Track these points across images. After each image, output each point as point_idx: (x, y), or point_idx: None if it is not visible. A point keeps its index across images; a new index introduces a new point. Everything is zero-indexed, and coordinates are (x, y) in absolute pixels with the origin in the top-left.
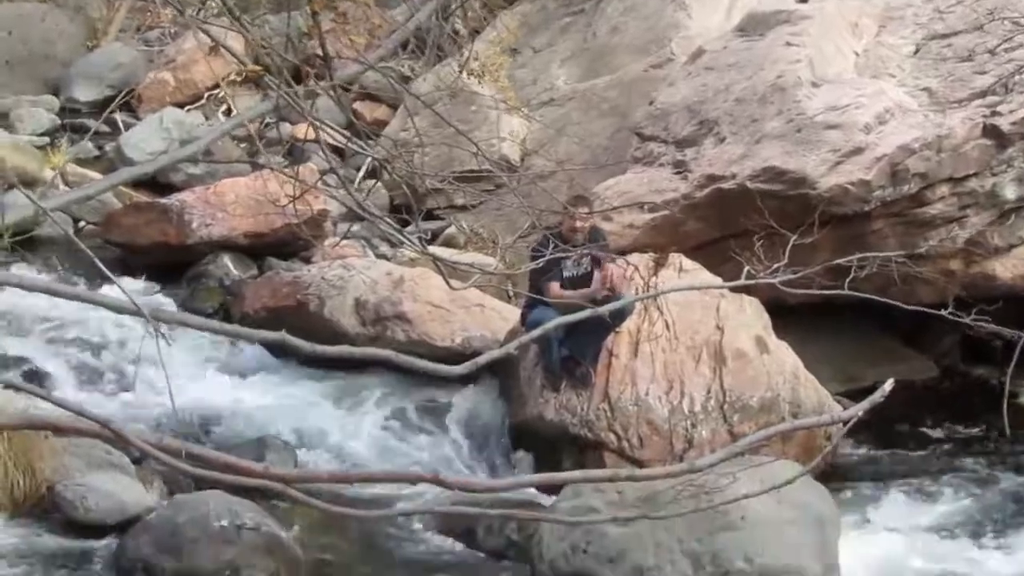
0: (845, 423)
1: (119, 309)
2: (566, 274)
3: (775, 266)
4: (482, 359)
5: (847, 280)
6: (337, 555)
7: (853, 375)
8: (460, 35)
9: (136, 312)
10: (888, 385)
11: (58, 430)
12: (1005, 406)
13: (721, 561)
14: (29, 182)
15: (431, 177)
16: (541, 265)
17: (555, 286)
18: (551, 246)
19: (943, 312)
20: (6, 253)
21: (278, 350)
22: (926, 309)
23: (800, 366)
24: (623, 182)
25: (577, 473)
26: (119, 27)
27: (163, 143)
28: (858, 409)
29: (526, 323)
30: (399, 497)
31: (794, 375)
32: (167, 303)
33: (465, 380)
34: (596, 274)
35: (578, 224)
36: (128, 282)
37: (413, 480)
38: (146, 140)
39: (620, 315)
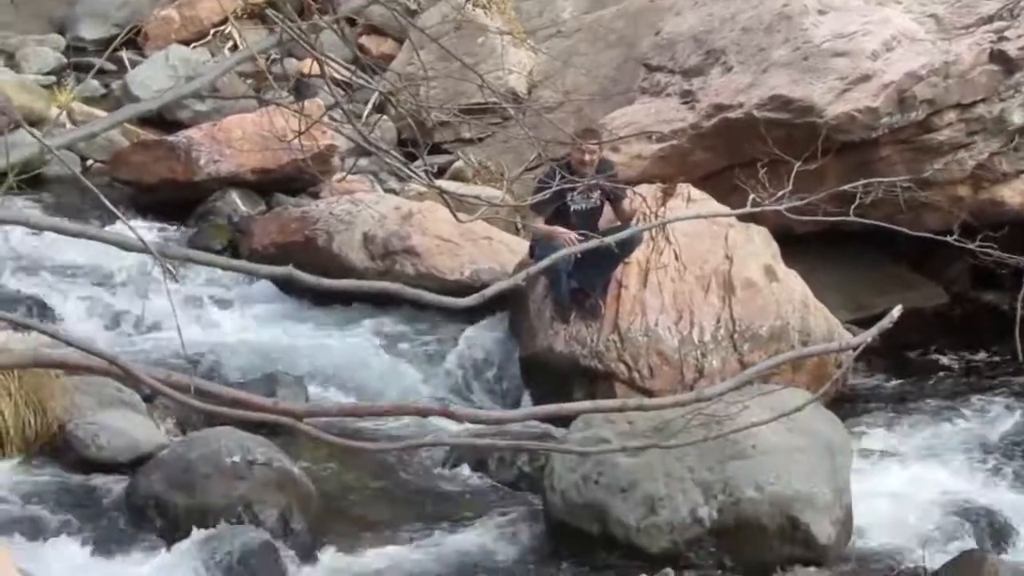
0: (854, 350)
1: (126, 246)
2: (574, 207)
3: (780, 193)
4: (489, 291)
5: (853, 207)
6: (349, 489)
7: (863, 303)
8: None
9: (143, 249)
10: (897, 311)
11: (67, 367)
12: (1017, 331)
13: (732, 489)
14: (35, 121)
15: (436, 110)
16: (547, 196)
17: (540, 221)
18: (558, 178)
19: (948, 238)
20: (12, 192)
21: (286, 286)
22: (932, 235)
23: (809, 295)
24: (630, 113)
25: (586, 403)
26: None
27: (169, 80)
28: (867, 335)
29: (534, 255)
30: (410, 431)
31: (803, 304)
32: (175, 240)
33: (474, 313)
34: (606, 207)
35: (587, 157)
36: (136, 221)
37: (423, 413)
38: (152, 78)
39: (629, 246)
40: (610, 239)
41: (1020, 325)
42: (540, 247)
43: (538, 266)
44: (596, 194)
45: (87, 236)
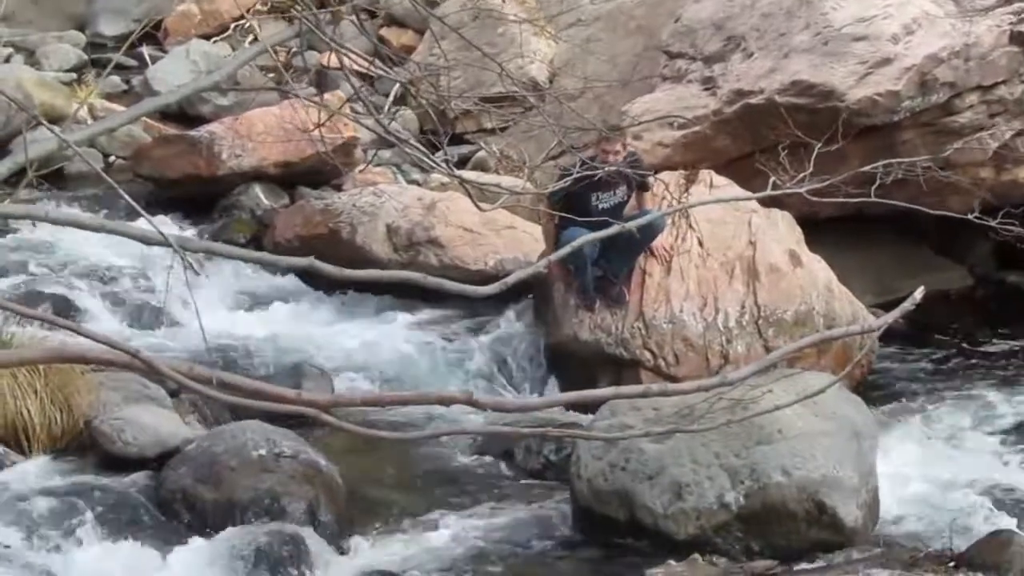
0: (877, 331)
1: (146, 240)
2: (602, 206)
3: (800, 176)
4: (511, 279)
5: (873, 187)
6: (376, 480)
7: (887, 287)
8: None
9: (163, 242)
10: (919, 293)
11: (89, 361)
12: None
13: (759, 475)
14: (56, 119)
15: (456, 99)
16: (571, 193)
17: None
18: (579, 171)
19: (969, 216)
20: (34, 189)
21: (310, 279)
22: (952, 214)
23: (834, 279)
24: (652, 100)
25: (609, 390)
26: None
27: (190, 75)
28: (889, 317)
29: (558, 243)
30: (435, 421)
31: (828, 288)
32: (198, 235)
33: (499, 302)
34: (632, 202)
35: (611, 158)
36: (158, 216)
37: (447, 402)
38: (173, 73)
39: (652, 232)
40: (632, 224)
41: None
42: (564, 234)
43: (560, 253)
44: (621, 189)
45: (107, 230)
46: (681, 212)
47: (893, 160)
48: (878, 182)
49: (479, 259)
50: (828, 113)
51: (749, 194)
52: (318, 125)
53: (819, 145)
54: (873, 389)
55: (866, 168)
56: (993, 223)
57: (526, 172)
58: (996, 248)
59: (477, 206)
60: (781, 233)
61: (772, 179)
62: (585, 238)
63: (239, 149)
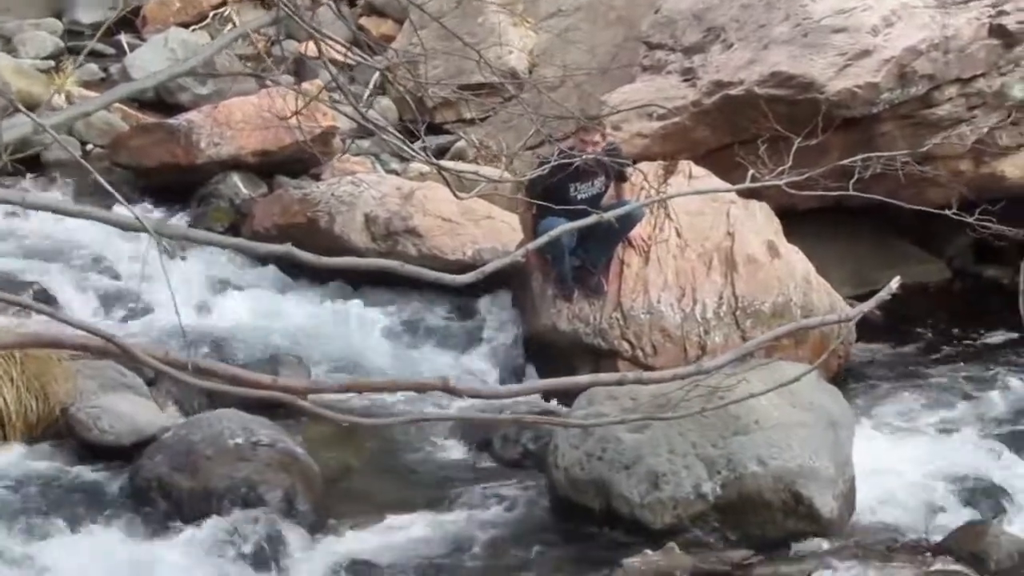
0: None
1: (123, 225)
2: (580, 196)
3: (780, 169)
4: (488, 268)
5: (852, 181)
6: (353, 469)
7: (866, 279)
8: None
9: (140, 228)
10: (895, 283)
11: (65, 346)
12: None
13: (735, 465)
14: (33, 106)
15: (433, 86)
16: (549, 184)
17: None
18: (556, 160)
19: (947, 212)
20: (11, 176)
21: (288, 267)
22: (930, 209)
23: (812, 270)
24: (631, 91)
25: (585, 377)
26: None
27: (168, 63)
28: (865, 307)
29: (536, 233)
30: (412, 409)
31: (806, 280)
32: (176, 224)
33: (476, 292)
34: (610, 192)
35: (589, 149)
36: (137, 205)
37: (423, 388)
38: (151, 61)
39: (630, 222)
40: (611, 214)
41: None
42: (542, 224)
43: (537, 242)
44: (600, 180)
45: (85, 216)
46: (660, 203)
47: (872, 154)
48: (856, 176)
49: (457, 249)
50: (807, 105)
51: (728, 186)
52: (295, 112)
53: (799, 140)
54: (850, 380)
55: (845, 162)
56: (971, 219)
57: (503, 161)
58: (974, 242)
59: (455, 194)
60: (759, 224)
61: (751, 171)
62: (563, 228)
63: (217, 137)
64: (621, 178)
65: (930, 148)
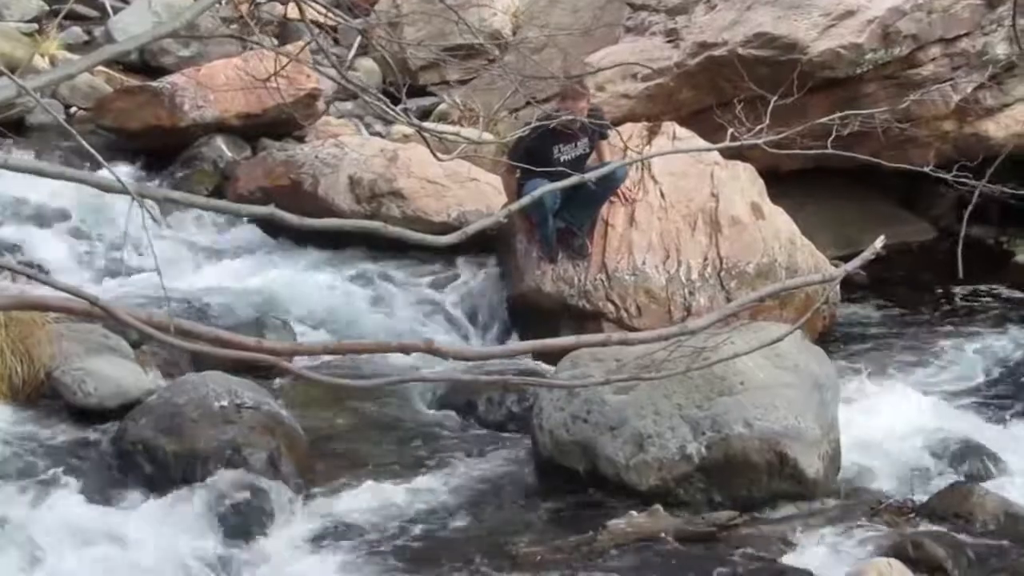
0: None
1: (105, 187)
2: (563, 159)
3: (758, 127)
4: (470, 228)
5: (830, 139)
6: (338, 432)
7: (850, 239)
8: None
9: (122, 189)
10: (879, 242)
11: (49, 309)
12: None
13: (720, 426)
14: (17, 69)
15: (415, 46)
16: (532, 147)
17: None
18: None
19: (925, 169)
20: None
21: (271, 230)
22: (907, 167)
23: (796, 231)
24: (616, 52)
25: (569, 339)
26: None
27: (152, 26)
28: (849, 266)
29: (520, 196)
30: (397, 372)
31: (790, 240)
32: (159, 186)
33: (463, 255)
34: (594, 155)
35: (576, 114)
36: (121, 167)
37: (408, 350)
38: (135, 24)
39: (612, 182)
40: (592, 175)
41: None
42: (527, 186)
43: (520, 202)
44: (583, 142)
45: (66, 178)
46: (642, 163)
47: (850, 112)
48: (834, 134)
49: (441, 211)
50: (791, 66)
51: (709, 145)
52: (273, 74)
53: (774, 99)
54: (835, 341)
55: (823, 120)
56: (948, 176)
57: (481, 123)
58: (958, 201)
59: (435, 155)
60: (743, 185)
61: (730, 130)
62: (545, 188)
63: (201, 100)
64: (602, 137)
65: (913, 108)
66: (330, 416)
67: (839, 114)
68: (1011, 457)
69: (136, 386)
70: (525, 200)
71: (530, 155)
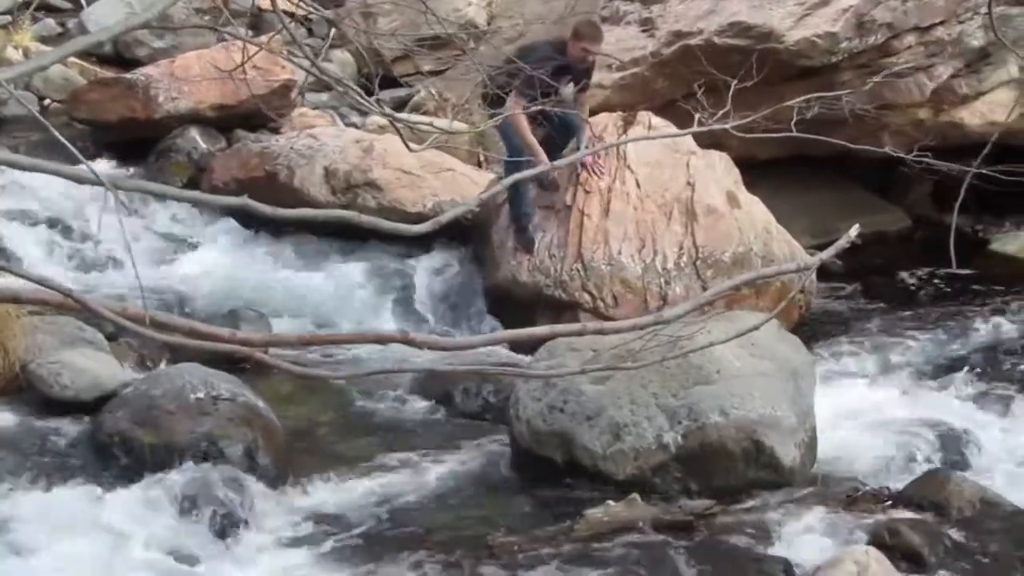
0: (812, 269)
1: (79, 179)
2: (563, 92)
3: (722, 111)
4: (443, 217)
5: (793, 123)
6: (315, 423)
7: (826, 228)
8: None
9: (95, 181)
10: (854, 230)
11: (22, 301)
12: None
13: (697, 414)
14: None
15: (384, 36)
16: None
17: (521, 102)
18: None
19: (886, 150)
20: None
21: (247, 221)
22: (875, 149)
23: (772, 220)
24: None
25: (545, 328)
26: None
27: (125, 17)
28: (824, 255)
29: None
30: (372, 362)
31: (766, 229)
32: (135, 178)
33: (438, 245)
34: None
35: (589, 58)
36: (95, 160)
37: (383, 340)
38: (108, 15)
39: (572, 131)
40: (560, 163)
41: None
42: (507, 168)
43: (492, 190)
44: (580, 84)
45: (41, 170)
46: (619, 153)
47: (814, 95)
48: (798, 116)
49: (417, 201)
50: (766, 54)
51: (679, 131)
52: (245, 60)
53: (734, 83)
54: (811, 330)
55: (788, 103)
56: (908, 157)
57: (450, 113)
58: (934, 189)
59: (407, 146)
60: (719, 174)
61: (697, 116)
62: (515, 176)
63: (176, 92)
64: (582, 89)
65: (889, 96)
66: (307, 407)
67: (803, 97)
68: (988, 444)
69: (112, 378)
70: (496, 188)
71: (531, 83)
